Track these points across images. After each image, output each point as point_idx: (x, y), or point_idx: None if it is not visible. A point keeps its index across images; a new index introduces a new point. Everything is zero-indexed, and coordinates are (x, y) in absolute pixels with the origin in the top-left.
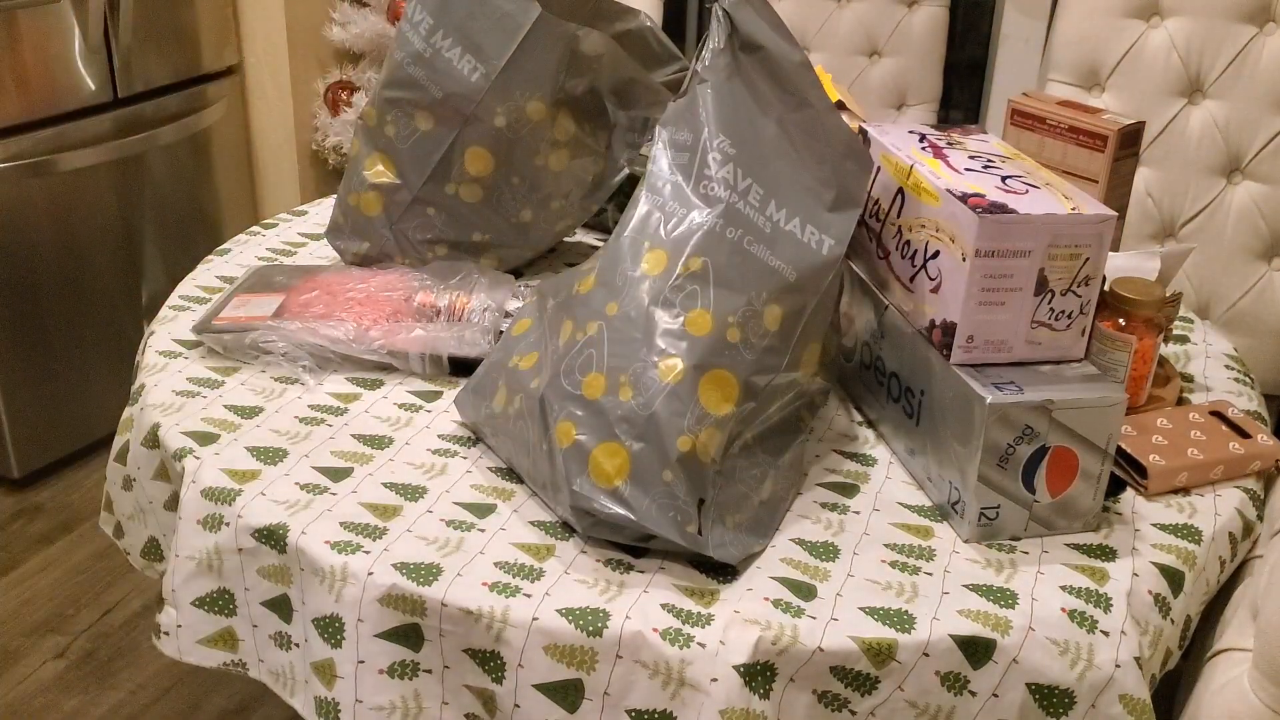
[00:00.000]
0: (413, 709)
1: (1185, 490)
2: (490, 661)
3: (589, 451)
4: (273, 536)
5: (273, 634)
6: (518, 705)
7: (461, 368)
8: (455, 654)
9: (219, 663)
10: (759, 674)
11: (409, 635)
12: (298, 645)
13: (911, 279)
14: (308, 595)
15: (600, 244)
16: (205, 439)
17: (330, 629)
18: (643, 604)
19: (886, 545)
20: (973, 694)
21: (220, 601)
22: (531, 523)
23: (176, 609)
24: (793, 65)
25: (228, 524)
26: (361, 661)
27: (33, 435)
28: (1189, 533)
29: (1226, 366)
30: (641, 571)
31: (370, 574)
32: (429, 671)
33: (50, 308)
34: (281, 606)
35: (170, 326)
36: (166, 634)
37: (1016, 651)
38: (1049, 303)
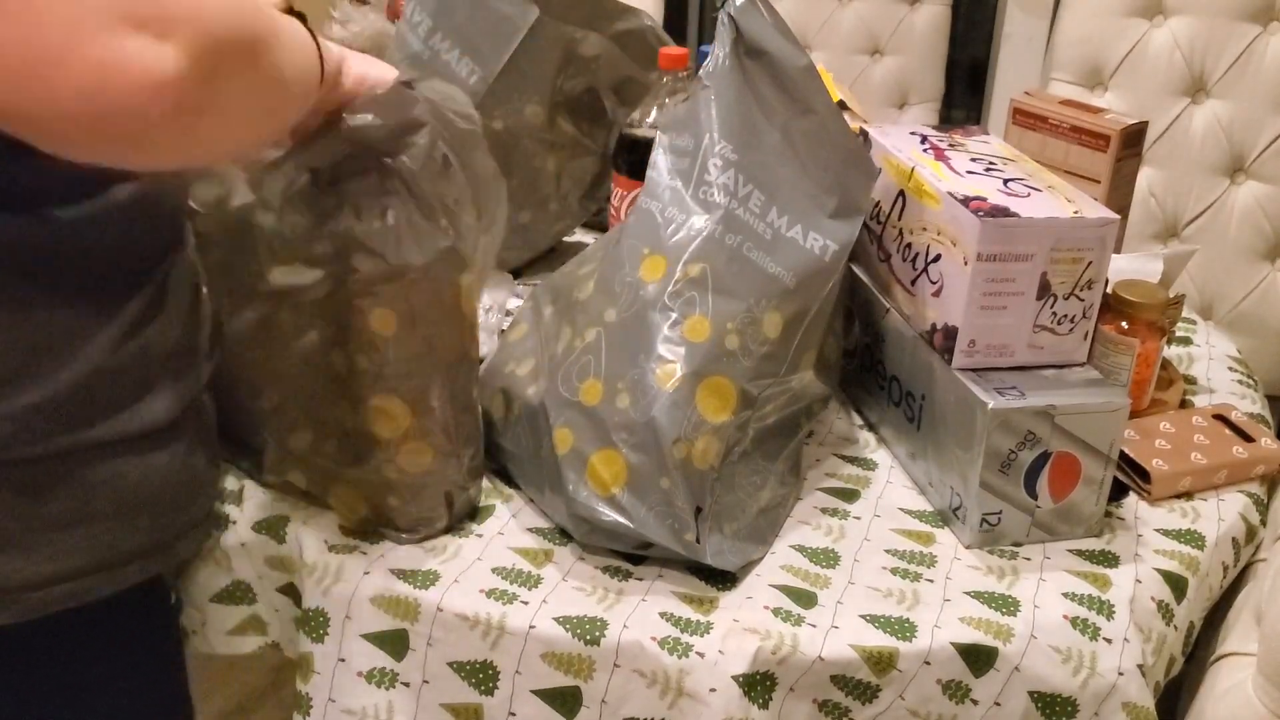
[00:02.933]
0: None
1: (1188, 495)
2: (479, 673)
3: (586, 458)
4: (273, 529)
5: (293, 618)
6: (512, 714)
7: None
8: (439, 667)
9: (253, 648)
10: (758, 684)
11: (394, 642)
12: None
13: (913, 282)
14: (303, 588)
15: None
16: None
17: (316, 623)
18: (641, 612)
19: (887, 551)
20: (975, 702)
21: (238, 593)
22: (529, 529)
23: (196, 609)
24: (798, 71)
25: (234, 522)
26: (342, 660)
27: None
28: (1192, 538)
29: (1230, 368)
30: (640, 579)
31: (366, 573)
32: (406, 685)
33: None
34: (292, 593)
35: None
36: (194, 633)
37: (1019, 659)
38: (1051, 307)
